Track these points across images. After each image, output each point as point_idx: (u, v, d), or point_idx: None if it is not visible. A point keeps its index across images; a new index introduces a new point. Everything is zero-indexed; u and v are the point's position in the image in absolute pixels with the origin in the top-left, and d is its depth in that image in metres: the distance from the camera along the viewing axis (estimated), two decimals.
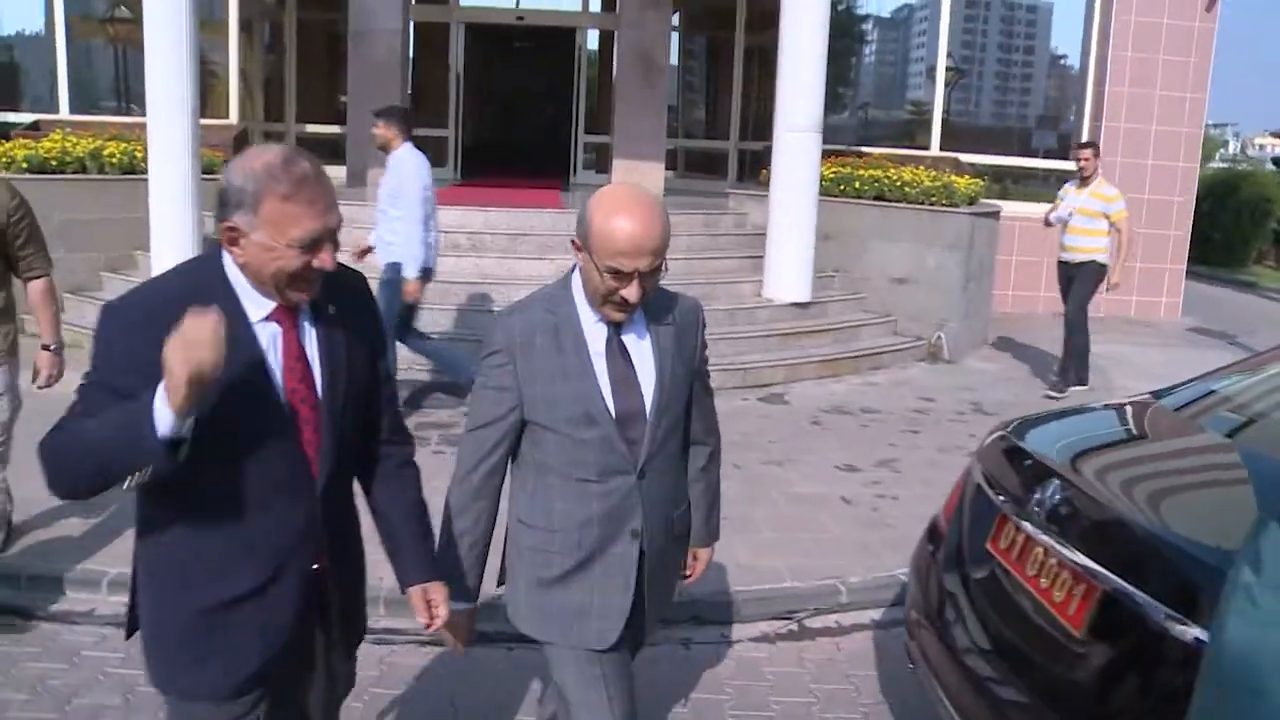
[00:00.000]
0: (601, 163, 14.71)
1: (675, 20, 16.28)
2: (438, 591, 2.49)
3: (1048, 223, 9.38)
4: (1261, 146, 72.74)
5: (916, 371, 9.63)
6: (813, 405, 8.17)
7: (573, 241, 2.43)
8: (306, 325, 2.22)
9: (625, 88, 14.00)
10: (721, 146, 15.68)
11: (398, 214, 6.85)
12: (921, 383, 9.19)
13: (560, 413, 2.45)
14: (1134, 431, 3.52)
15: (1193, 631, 2.24)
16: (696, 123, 17.51)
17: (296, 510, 2.23)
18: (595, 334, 2.47)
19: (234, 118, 13.25)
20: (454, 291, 8.81)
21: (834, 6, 14.66)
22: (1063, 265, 9.21)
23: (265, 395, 2.14)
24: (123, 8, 13.10)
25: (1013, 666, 2.81)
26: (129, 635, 2.38)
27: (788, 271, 9.44)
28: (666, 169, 14.75)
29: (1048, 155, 14.45)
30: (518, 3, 16.03)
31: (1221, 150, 64.41)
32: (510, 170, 15.17)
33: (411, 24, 14.66)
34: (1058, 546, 2.75)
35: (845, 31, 15.38)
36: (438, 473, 6.20)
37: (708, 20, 16.72)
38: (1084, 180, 9.06)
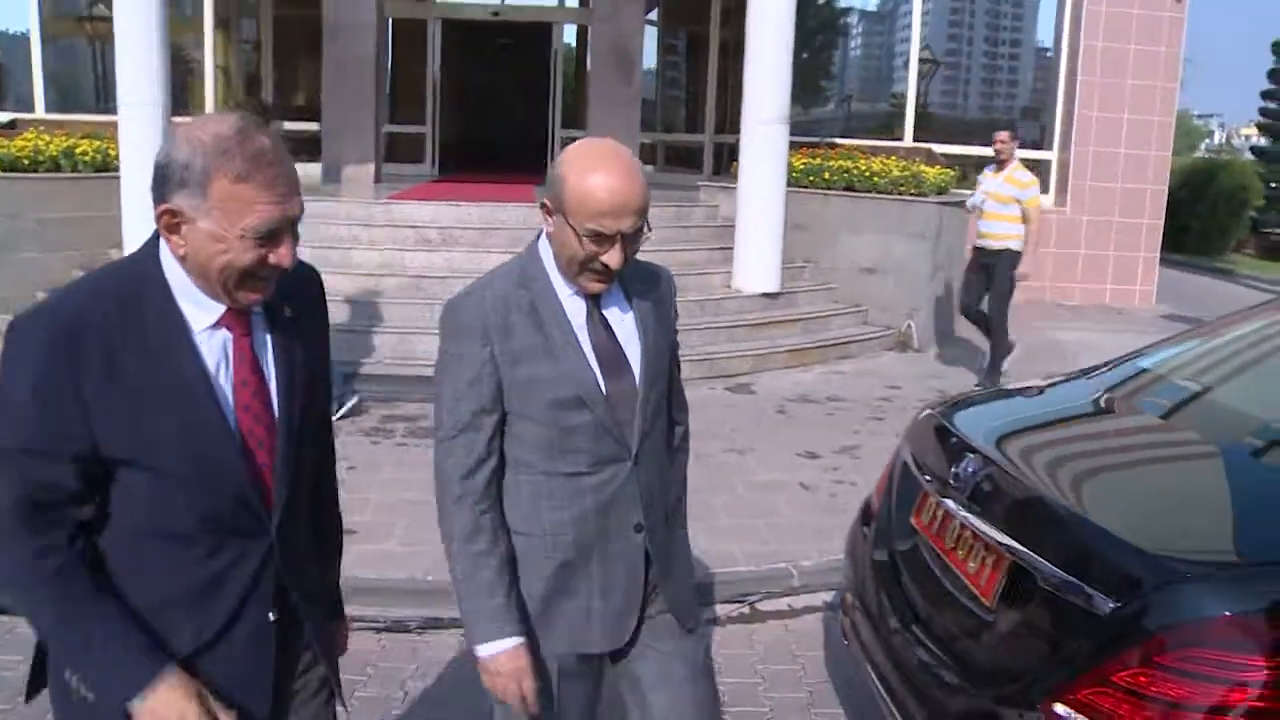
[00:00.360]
0: None
1: (654, 15, 16.36)
2: (344, 627, 2.33)
3: (968, 209, 9.17)
4: (1247, 137, 72.88)
5: (885, 360, 9.71)
6: (779, 394, 8.24)
7: (542, 205, 2.18)
8: (260, 331, 1.91)
9: (599, 82, 14.06)
10: (698, 140, 15.74)
11: None
12: (889, 371, 9.28)
13: (544, 398, 2.19)
14: (1057, 411, 3.60)
15: (1099, 598, 2.32)
16: (675, 117, 17.58)
17: (250, 549, 1.90)
18: (574, 308, 2.23)
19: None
20: (423, 286, 8.89)
21: (814, 0, 14.89)
22: (978, 251, 8.94)
23: (211, 417, 1.81)
24: (101, 5, 13.13)
25: (931, 636, 2.88)
26: (31, 696, 2.00)
27: (756, 262, 9.51)
28: (646, 163, 14.80)
29: (1033, 146, 14.50)
30: None
31: (1207, 141, 64.62)
32: (488, 166, 15.22)
33: (388, 20, 14.71)
34: (974, 520, 2.82)
35: (828, 25, 15.48)
36: (400, 463, 6.26)
37: (685, 14, 16.79)
38: (1000, 165, 8.85)
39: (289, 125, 14.23)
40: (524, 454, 2.26)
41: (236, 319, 1.86)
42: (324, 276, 2.14)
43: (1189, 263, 19.62)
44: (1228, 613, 2.13)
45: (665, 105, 17.67)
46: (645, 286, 2.35)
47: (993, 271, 8.78)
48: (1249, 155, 32.35)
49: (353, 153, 12.95)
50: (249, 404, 1.86)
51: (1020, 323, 11.22)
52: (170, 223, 1.75)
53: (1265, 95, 30.26)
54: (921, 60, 14.35)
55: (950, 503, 2.97)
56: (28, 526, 1.74)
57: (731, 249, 9.79)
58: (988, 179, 8.96)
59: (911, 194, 10.45)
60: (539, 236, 2.28)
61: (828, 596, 4.90)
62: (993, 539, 2.71)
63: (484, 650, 2.23)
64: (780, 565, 5.02)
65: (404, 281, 9.03)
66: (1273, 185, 27.28)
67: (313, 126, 13.90)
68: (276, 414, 1.90)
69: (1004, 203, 8.68)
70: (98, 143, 9.86)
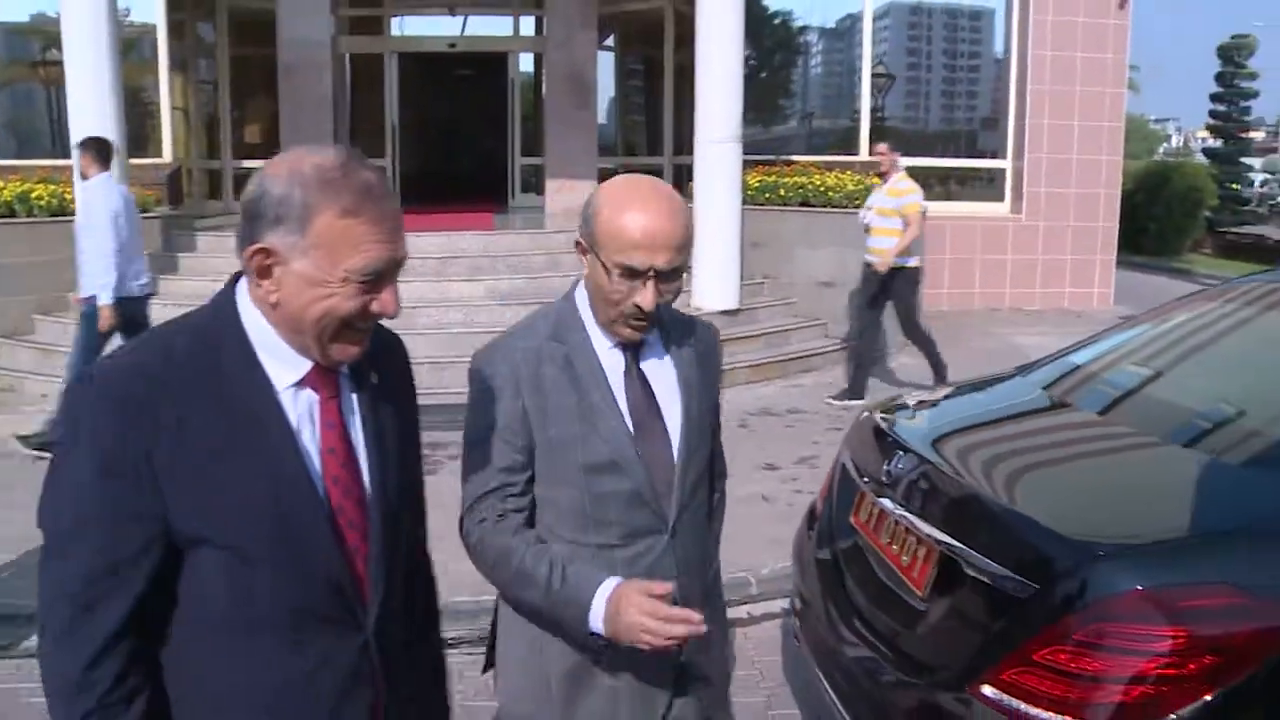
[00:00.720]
0: (539, 184, 14.86)
1: (611, 40, 16.50)
2: None
3: (861, 227, 8.91)
4: (1203, 139, 73.88)
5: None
6: (740, 409, 8.31)
7: (577, 243, 2.07)
8: (346, 395, 1.69)
9: (555, 109, 14.18)
10: (657, 162, 15.85)
11: (89, 243, 7.01)
12: None
13: (576, 461, 2.04)
14: (989, 410, 3.70)
15: (1021, 582, 2.40)
16: (634, 140, 17.70)
17: (342, 645, 1.65)
18: (612, 362, 2.08)
19: (168, 156, 13.28)
20: None
21: (770, 20, 15.08)
22: (867, 267, 8.68)
23: (299, 486, 1.59)
24: (54, 50, 13.16)
25: (871, 631, 2.95)
26: None
27: (715, 280, 9.62)
28: None
29: (991, 156, 14.70)
30: (463, 28, 16.17)
31: (1165, 144, 65.45)
32: (450, 196, 15.28)
33: (344, 55, 14.80)
34: (907, 515, 2.90)
35: (785, 44, 15.67)
36: None
37: (639, 39, 16.94)
38: (883, 178, 8.73)
39: (248, 163, 14.28)
40: (552, 522, 2.09)
41: (323, 378, 1.64)
42: None
43: (1148, 264, 19.89)
44: (1139, 587, 2.22)
45: (624, 129, 17.80)
46: (688, 342, 2.20)
47: (889, 291, 8.60)
48: (1201, 157, 32.93)
49: None
50: (338, 475, 1.64)
51: (980, 329, 11.42)
52: (262, 264, 1.54)
53: (1214, 98, 30.92)
54: (876, 75, 14.53)
55: (885, 501, 3.05)
56: (77, 639, 1.51)
57: (690, 268, 9.86)
58: (874, 194, 8.85)
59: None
60: (576, 284, 2.15)
61: (785, 604, 4.95)
62: (924, 532, 2.79)
63: (595, 617, 1.97)
64: (739, 574, 5.08)
65: None
66: (1226, 185, 27.79)
67: None
68: (369, 490, 1.67)
69: (888, 216, 8.53)
70: (53, 187, 9.90)
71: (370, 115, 15.59)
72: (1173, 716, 2.11)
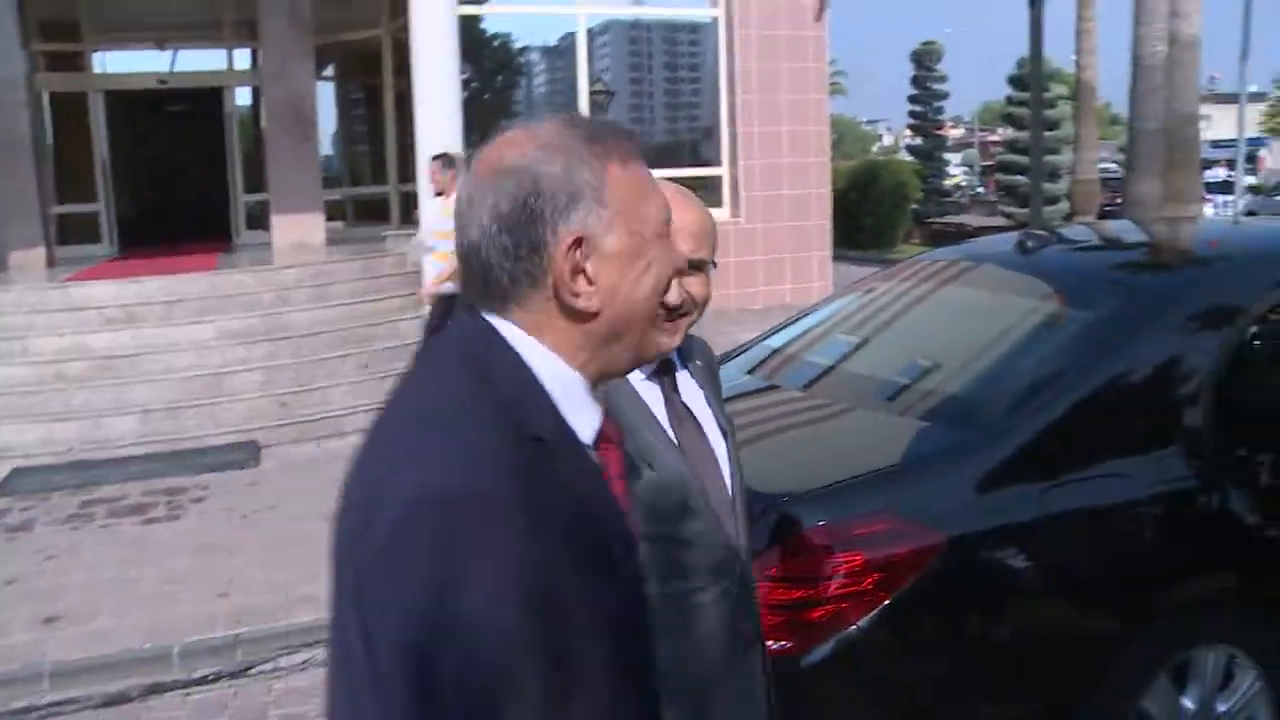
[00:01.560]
0: (265, 220, 14.53)
1: (330, 71, 16.33)
2: None
3: (412, 261, 8.06)
4: (910, 138, 79.25)
5: None
6: None
7: None
8: None
9: (276, 142, 13.91)
10: (384, 191, 15.79)
11: None
12: None
13: (655, 509, 1.81)
14: None
15: None
16: (360, 170, 17.55)
17: None
18: (651, 395, 1.91)
19: None
20: (112, 366, 8.61)
21: (490, 42, 15.29)
22: (441, 301, 7.58)
23: (640, 585, 1.30)
24: None
25: None
26: None
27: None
28: (334, 220, 14.73)
29: (706, 164, 15.39)
30: (173, 62, 15.64)
31: (878, 144, 69.88)
32: (171, 237, 14.72)
33: (41, 95, 14.03)
34: None
35: (506, 65, 15.93)
36: (104, 543, 6.06)
37: (358, 68, 16.84)
38: (441, 197, 7.82)
39: None
40: None
41: (612, 423, 1.31)
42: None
43: (864, 257, 21.24)
44: (820, 523, 2.54)
45: (349, 159, 17.65)
46: (699, 361, 2.06)
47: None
48: (905, 154, 35.57)
49: (19, 238, 12.29)
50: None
51: (706, 330, 11.96)
52: (575, 264, 1.21)
53: (912, 99, 33.45)
54: (594, 92, 14.98)
55: None
56: None
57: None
58: (429, 215, 8.04)
59: None
60: None
61: None
62: None
63: None
64: None
65: (91, 364, 8.70)
66: (929, 180, 30.10)
67: None
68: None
69: (448, 239, 7.59)
70: None
71: (77, 156, 14.82)
72: (853, 627, 2.45)
